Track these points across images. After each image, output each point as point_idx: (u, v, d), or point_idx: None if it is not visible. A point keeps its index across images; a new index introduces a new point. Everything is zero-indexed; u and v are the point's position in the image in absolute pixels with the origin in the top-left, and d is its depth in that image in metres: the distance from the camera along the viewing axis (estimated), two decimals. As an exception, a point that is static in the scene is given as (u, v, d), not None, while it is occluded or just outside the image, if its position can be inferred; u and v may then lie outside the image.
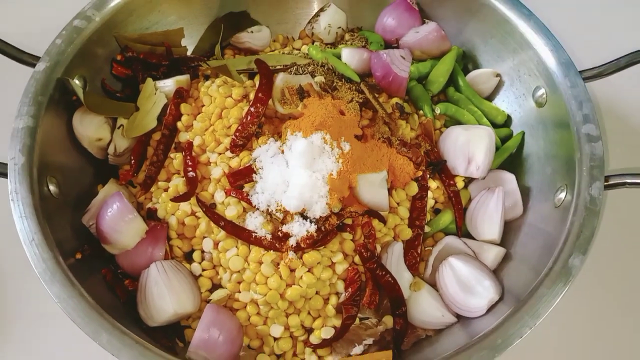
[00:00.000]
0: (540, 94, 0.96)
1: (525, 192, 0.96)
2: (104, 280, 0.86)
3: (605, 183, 0.83)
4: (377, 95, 0.98)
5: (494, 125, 1.03)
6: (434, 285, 0.89)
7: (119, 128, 0.96)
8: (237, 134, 0.88)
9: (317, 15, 1.15)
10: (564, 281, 0.76)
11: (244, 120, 0.88)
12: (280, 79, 0.92)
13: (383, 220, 0.87)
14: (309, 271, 0.82)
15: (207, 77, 1.05)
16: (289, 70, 0.99)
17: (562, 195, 0.87)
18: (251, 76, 0.99)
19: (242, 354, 0.84)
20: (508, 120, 1.04)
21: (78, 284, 0.76)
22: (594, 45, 1.14)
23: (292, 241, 0.81)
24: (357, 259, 0.84)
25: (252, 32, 1.12)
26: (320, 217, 0.82)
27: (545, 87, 0.95)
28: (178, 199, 0.86)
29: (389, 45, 1.11)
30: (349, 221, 0.84)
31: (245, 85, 0.95)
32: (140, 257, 0.86)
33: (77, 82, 0.95)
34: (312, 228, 0.81)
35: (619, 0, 1.28)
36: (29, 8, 1.28)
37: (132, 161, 0.94)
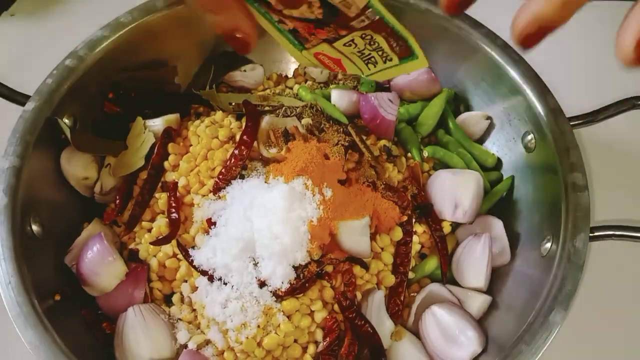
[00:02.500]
0: (529, 139, 0.95)
1: (513, 239, 0.94)
2: (83, 322, 0.86)
3: (591, 234, 0.81)
4: (364, 138, 0.97)
5: (484, 169, 1.02)
6: (417, 333, 0.87)
7: (106, 167, 0.97)
8: (220, 176, 0.88)
9: (310, 54, 1.16)
10: (544, 338, 0.74)
11: (228, 163, 0.88)
12: (266, 121, 0.92)
13: (365, 266, 0.86)
14: (287, 319, 0.81)
15: (198, 116, 1.06)
16: (277, 112, 0.99)
17: (548, 245, 0.85)
18: (239, 117, 0.99)
19: (219, 402, 0.83)
20: (498, 164, 1.03)
21: (52, 330, 0.75)
22: (584, 90, 1.13)
23: (270, 289, 0.81)
24: (336, 307, 0.83)
25: (245, 70, 1.13)
26: (300, 264, 0.81)
27: (534, 133, 0.94)
28: (158, 242, 0.86)
29: (380, 85, 1.11)
30: (329, 268, 0.83)
31: (232, 126, 0.95)
32: (120, 298, 0.85)
33: (66, 121, 0.95)
34: (292, 275, 0.80)
35: (610, 45, 1.27)
36: (21, 47, 1.31)
37: (117, 200, 0.94)
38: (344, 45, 0.74)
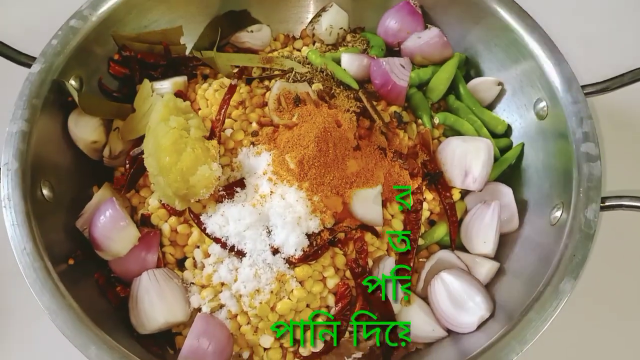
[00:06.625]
0: (542, 107, 0.95)
1: (522, 206, 0.95)
2: (96, 284, 0.87)
3: (602, 204, 0.82)
4: (375, 103, 0.96)
5: (494, 135, 1.01)
6: (425, 298, 0.89)
7: (114, 130, 0.96)
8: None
9: (318, 15, 1.13)
10: (554, 306, 0.76)
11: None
12: (276, 87, 0.91)
13: (377, 234, 0.86)
14: (300, 285, 0.82)
15: (205, 77, 1.04)
16: (287, 76, 0.98)
17: (558, 213, 0.86)
18: (248, 81, 0.97)
19: (232, 363, 0.85)
20: (508, 130, 1.02)
21: (68, 295, 0.76)
22: (598, 59, 1.11)
23: (283, 255, 0.81)
24: (348, 273, 0.84)
25: (252, 31, 1.10)
26: (313, 232, 0.82)
27: (547, 100, 0.93)
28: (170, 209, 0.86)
29: (390, 48, 1.09)
30: (341, 236, 0.84)
31: (241, 91, 0.94)
32: (133, 263, 0.86)
33: (73, 82, 0.94)
34: (305, 243, 0.81)
35: (624, 14, 1.25)
36: (26, 8, 1.27)
37: (127, 164, 0.93)
38: None
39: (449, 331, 0.87)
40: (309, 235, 0.82)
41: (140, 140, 0.94)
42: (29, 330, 0.97)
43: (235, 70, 0.99)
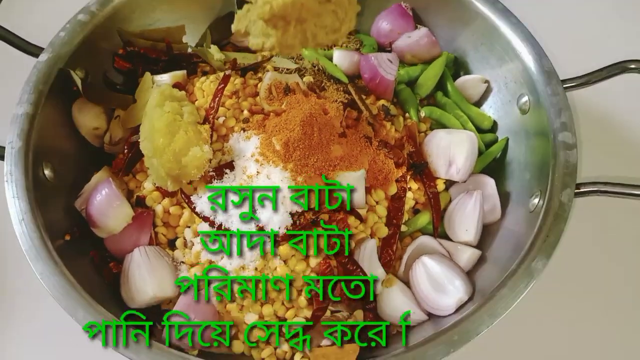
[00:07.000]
0: (524, 101, 0.98)
1: (505, 197, 0.97)
2: (92, 263, 0.91)
3: (577, 190, 0.84)
4: (364, 97, 1.00)
5: (480, 131, 1.05)
6: (407, 282, 0.91)
7: (115, 118, 1.01)
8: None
9: (315, 17, 1.18)
10: (525, 283, 0.78)
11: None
12: (268, 77, 0.96)
13: (360, 217, 0.89)
14: (283, 263, 0.85)
15: (205, 74, 1.09)
16: (280, 69, 1.02)
17: (536, 200, 0.88)
18: (243, 73, 1.02)
19: (217, 339, 0.87)
20: (494, 126, 1.06)
21: (61, 263, 0.80)
22: (580, 54, 1.15)
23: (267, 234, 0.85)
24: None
25: (250, 31, 1.16)
26: (297, 211, 0.85)
27: (529, 95, 0.97)
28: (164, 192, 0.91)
29: (382, 48, 1.13)
30: (325, 217, 0.87)
31: (235, 82, 0.99)
32: (126, 241, 0.90)
33: (78, 73, 0.99)
34: (288, 222, 0.84)
35: (607, 10, 1.30)
36: (36, 1, 1.34)
37: (126, 150, 0.98)
38: None
39: (430, 314, 0.88)
40: (292, 215, 0.85)
41: (139, 128, 1.00)
42: (29, 326, 1.01)
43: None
